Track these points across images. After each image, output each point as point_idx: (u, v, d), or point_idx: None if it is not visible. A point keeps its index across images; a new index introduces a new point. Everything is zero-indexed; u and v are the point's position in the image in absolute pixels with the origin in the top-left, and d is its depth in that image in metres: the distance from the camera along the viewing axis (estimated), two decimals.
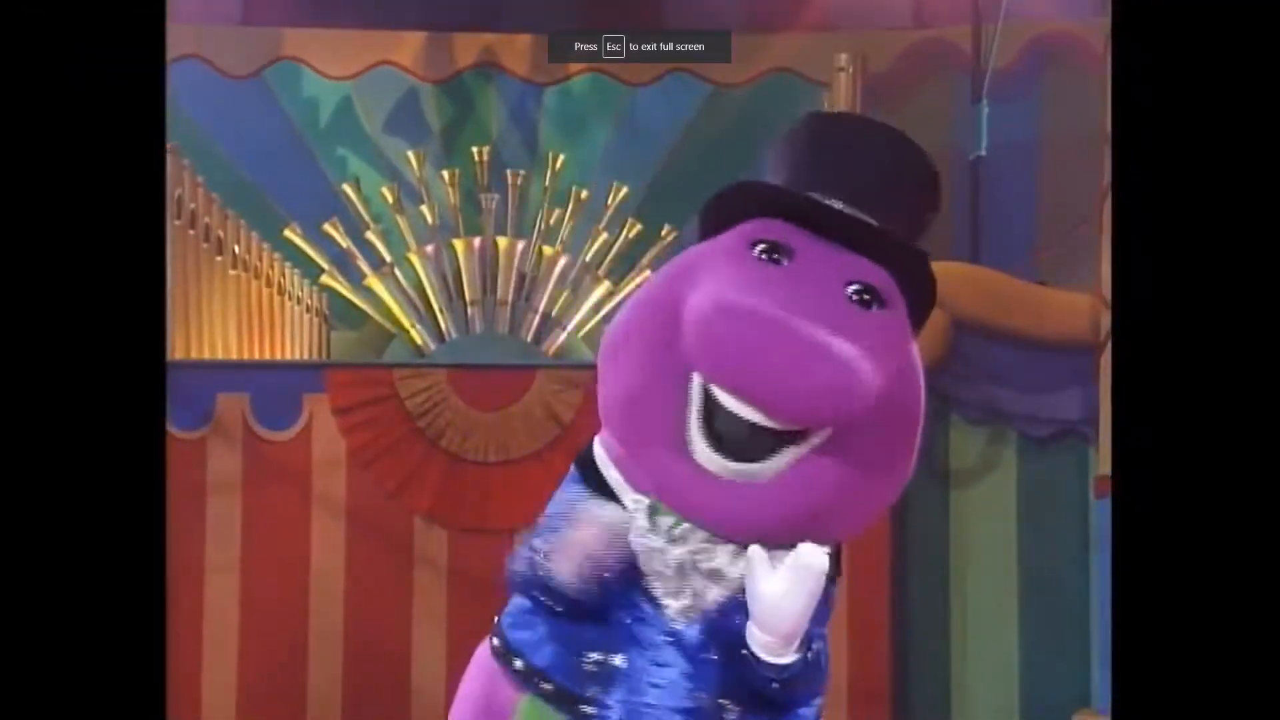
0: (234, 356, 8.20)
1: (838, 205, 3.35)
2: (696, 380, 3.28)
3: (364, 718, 7.78)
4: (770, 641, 3.20)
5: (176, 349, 7.96)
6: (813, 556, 3.14)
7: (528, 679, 3.43)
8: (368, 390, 7.91)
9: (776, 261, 3.29)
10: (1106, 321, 7.19)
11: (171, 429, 7.40)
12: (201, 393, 7.82)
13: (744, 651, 3.24)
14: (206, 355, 8.13)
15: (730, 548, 3.32)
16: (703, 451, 3.26)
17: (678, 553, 3.33)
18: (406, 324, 8.54)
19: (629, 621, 3.35)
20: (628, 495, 3.38)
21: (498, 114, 9.09)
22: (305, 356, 8.44)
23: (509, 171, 8.71)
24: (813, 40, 8.90)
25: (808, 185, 3.37)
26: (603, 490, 3.42)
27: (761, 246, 3.30)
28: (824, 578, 3.18)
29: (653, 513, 3.34)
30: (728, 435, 3.25)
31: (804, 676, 3.26)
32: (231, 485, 7.83)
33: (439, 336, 8.53)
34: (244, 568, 7.80)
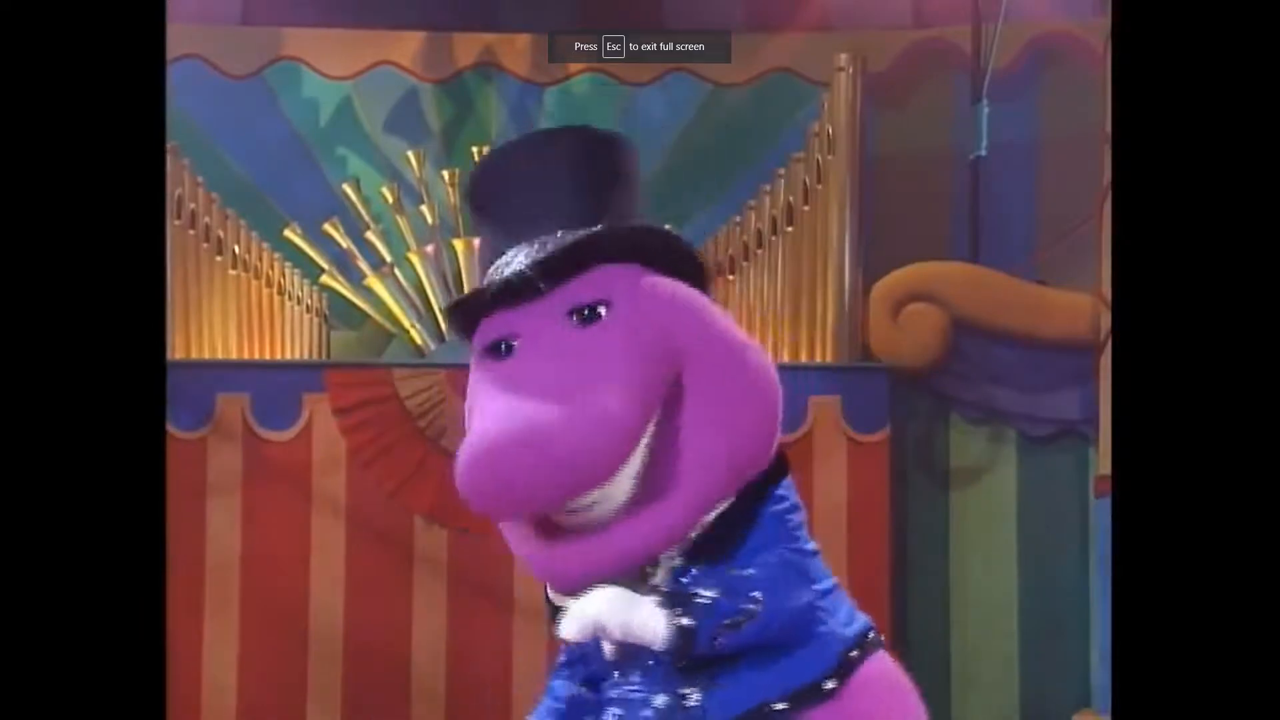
0: (234, 356, 8.20)
1: (539, 242, 3.33)
2: None
3: (364, 718, 7.78)
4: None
5: (176, 349, 7.96)
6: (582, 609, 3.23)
7: None
8: (368, 390, 7.91)
9: (506, 354, 3.31)
10: (1106, 321, 7.19)
11: (172, 429, 7.41)
12: (201, 393, 7.82)
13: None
14: (206, 355, 8.12)
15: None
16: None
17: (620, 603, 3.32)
18: (406, 324, 8.53)
19: (586, 692, 3.46)
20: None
21: (498, 114, 9.09)
22: (305, 356, 8.43)
23: None
24: (812, 40, 8.89)
25: (507, 243, 3.37)
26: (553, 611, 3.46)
27: (489, 351, 3.34)
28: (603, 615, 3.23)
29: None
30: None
31: (707, 625, 3.25)
32: (231, 485, 7.83)
33: (439, 336, 8.52)
34: (244, 567, 7.80)
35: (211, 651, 7.75)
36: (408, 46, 9.05)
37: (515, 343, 3.31)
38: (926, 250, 8.26)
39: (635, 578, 3.32)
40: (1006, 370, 7.96)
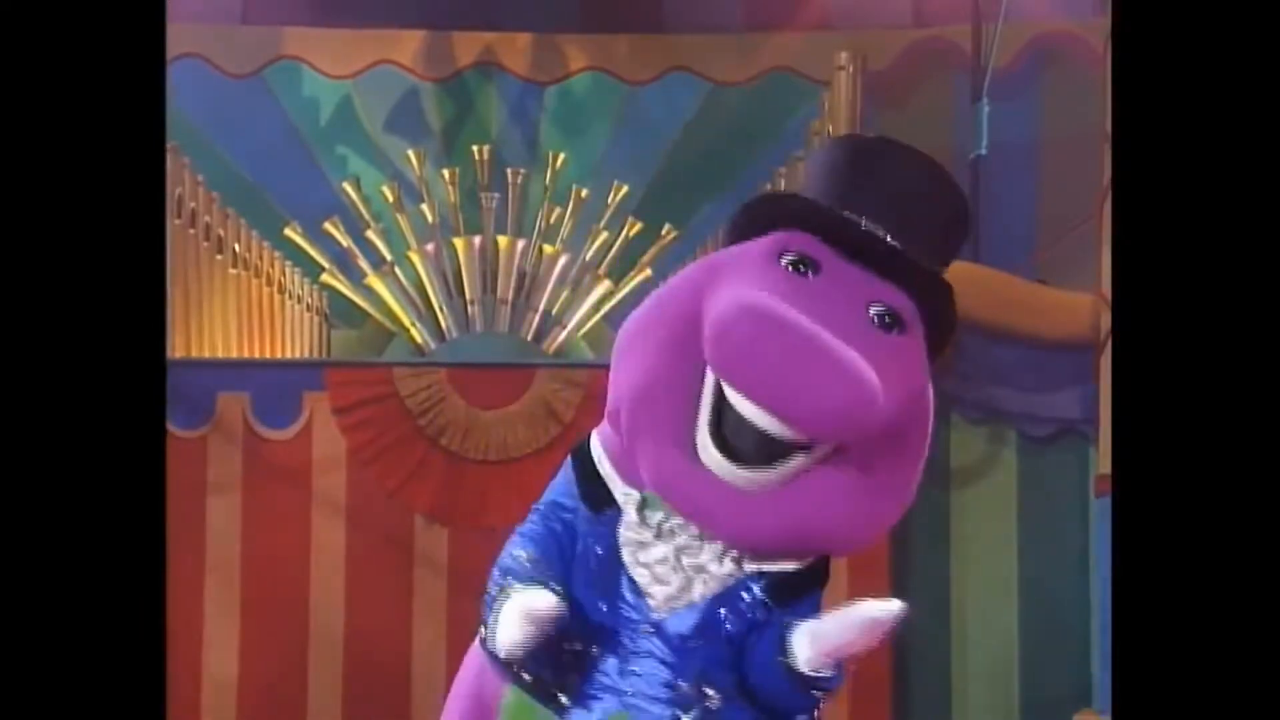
0: (234, 355, 8.20)
1: (865, 225, 3.36)
2: (710, 381, 3.32)
3: (364, 717, 7.78)
4: (821, 662, 3.29)
5: (177, 348, 7.96)
6: (885, 611, 3.25)
7: (510, 669, 3.47)
8: (368, 389, 7.90)
9: (803, 274, 3.32)
10: (1106, 321, 7.18)
11: (172, 428, 7.40)
12: (202, 391, 7.82)
13: (780, 659, 3.31)
14: (207, 354, 8.12)
15: (716, 546, 3.38)
16: (713, 457, 3.30)
17: (663, 548, 3.39)
18: (407, 323, 8.54)
19: (608, 610, 3.41)
20: (618, 488, 3.44)
21: (498, 113, 9.09)
22: (305, 355, 8.44)
23: (509, 170, 8.71)
24: (812, 39, 8.89)
25: (839, 203, 3.38)
26: (593, 480, 3.47)
27: (789, 257, 3.34)
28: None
29: (642, 506, 3.40)
30: (737, 441, 3.29)
31: (833, 689, 3.36)
32: (232, 484, 7.83)
33: (439, 335, 8.53)
34: (244, 566, 7.79)
35: (211, 650, 7.74)
36: (408, 46, 9.05)
37: (813, 273, 3.33)
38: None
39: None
40: (1007, 369, 7.95)
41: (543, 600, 3.29)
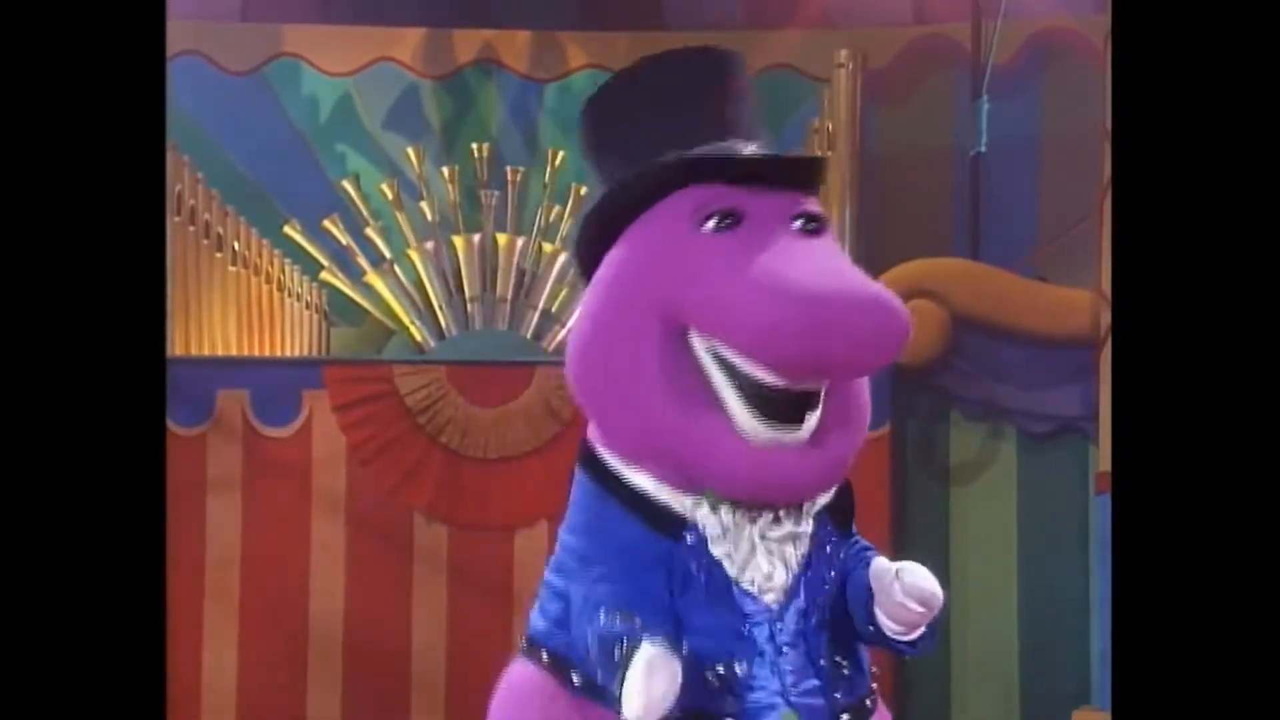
0: (234, 353, 8.20)
1: (750, 150, 3.46)
2: (708, 360, 3.35)
3: (364, 715, 7.78)
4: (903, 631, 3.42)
5: (176, 345, 7.96)
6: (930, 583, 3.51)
7: None
8: (367, 387, 7.90)
9: (731, 227, 3.38)
10: (1107, 318, 7.18)
11: (171, 425, 7.40)
12: (201, 389, 7.82)
13: (871, 628, 3.42)
14: (206, 351, 8.12)
15: (791, 509, 3.43)
16: (749, 424, 3.33)
17: (747, 537, 3.39)
18: (406, 320, 8.53)
19: (732, 620, 3.37)
20: (680, 501, 3.40)
21: (498, 110, 9.09)
22: (305, 353, 8.44)
23: (509, 168, 8.71)
24: (812, 36, 8.89)
25: (711, 135, 3.46)
26: (624, 494, 3.42)
27: (712, 222, 3.38)
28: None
29: (713, 509, 3.39)
30: (765, 404, 3.33)
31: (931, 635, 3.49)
32: (231, 482, 7.83)
33: (439, 333, 8.52)
34: (244, 564, 7.80)
35: (211, 648, 7.75)
36: (408, 43, 9.05)
37: (741, 219, 3.38)
38: (927, 247, 8.26)
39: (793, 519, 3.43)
40: (1007, 367, 7.95)
41: (663, 658, 3.17)
